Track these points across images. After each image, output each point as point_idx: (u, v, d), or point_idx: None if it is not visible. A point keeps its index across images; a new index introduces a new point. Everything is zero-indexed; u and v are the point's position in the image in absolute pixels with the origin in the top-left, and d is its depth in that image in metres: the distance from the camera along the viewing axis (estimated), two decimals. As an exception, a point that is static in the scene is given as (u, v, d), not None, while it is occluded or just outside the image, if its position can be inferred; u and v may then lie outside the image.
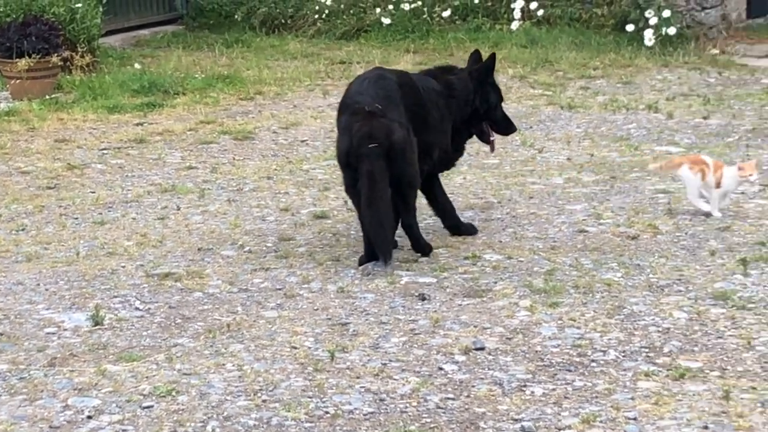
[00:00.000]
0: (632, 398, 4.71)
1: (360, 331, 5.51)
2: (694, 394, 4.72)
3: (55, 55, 11.93)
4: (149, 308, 5.93)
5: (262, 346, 5.36)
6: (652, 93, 11.23)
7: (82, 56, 12.55)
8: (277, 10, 15.93)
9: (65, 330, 5.67)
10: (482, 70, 6.93)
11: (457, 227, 6.97)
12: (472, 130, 7.01)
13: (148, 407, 4.75)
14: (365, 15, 15.33)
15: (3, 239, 7.22)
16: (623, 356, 5.13)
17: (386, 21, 14.95)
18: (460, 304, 5.83)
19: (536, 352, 5.21)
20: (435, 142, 6.68)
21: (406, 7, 14.95)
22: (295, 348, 5.32)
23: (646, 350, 5.18)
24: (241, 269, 6.50)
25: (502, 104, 7.06)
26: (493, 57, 6.96)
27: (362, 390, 4.86)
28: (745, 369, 4.96)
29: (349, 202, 6.75)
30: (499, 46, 13.23)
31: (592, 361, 5.09)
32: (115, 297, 6.11)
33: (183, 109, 11.14)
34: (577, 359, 5.11)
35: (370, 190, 6.19)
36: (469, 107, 6.87)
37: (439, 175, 6.97)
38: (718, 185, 7.05)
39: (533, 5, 14.32)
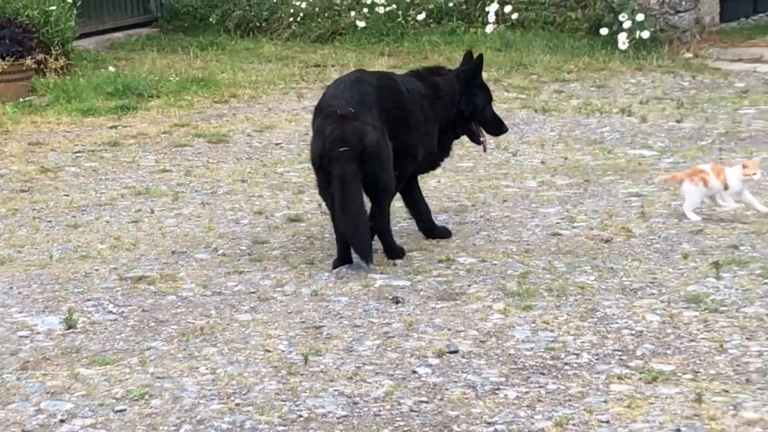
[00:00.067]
0: (605, 401, 4.72)
1: (334, 335, 5.51)
2: (666, 397, 4.73)
3: (29, 57, 11.90)
4: (123, 311, 5.92)
5: (235, 349, 5.35)
6: (625, 96, 11.27)
7: (56, 59, 12.53)
8: (252, 13, 15.94)
9: (38, 333, 5.65)
10: (469, 71, 6.95)
11: (432, 230, 6.97)
12: (458, 131, 7.02)
13: (121, 411, 4.73)
14: (340, 18, 15.35)
15: (-25, 242, 7.19)
16: (596, 359, 5.13)
17: (361, 24, 14.97)
18: (434, 308, 5.83)
19: (510, 355, 5.21)
20: (418, 143, 6.68)
21: (381, 10, 14.97)
22: (269, 351, 5.32)
23: (619, 353, 5.19)
24: (214, 272, 6.49)
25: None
26: (480, 58, 6.99)
27: (336, 393, 4.85)
28: (718, 372, 4.97)
29: (323, 205, 6.75)
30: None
31: (566, 364, 5.10)
32: (89, 300, 6.09)
33: (157, 112, 11.12)
34: (551, 362, 5.12)
35: (343, 194, 6.18)
36: (455, 108, 6.87)
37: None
38: (726, 187, 7.06)
39: (508, 8, 14.36)
